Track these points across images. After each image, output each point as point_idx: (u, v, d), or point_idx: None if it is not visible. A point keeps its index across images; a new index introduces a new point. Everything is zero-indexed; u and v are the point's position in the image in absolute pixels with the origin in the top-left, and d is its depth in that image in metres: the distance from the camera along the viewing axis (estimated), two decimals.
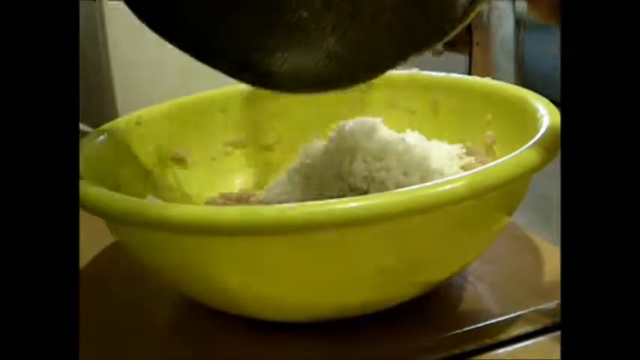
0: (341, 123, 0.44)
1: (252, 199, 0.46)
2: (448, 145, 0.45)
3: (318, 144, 0.45)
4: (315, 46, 0.31)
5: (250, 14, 0.30)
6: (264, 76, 0.33)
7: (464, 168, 0.43)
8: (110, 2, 0.61)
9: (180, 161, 0.47)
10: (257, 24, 0.31)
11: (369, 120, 0.44)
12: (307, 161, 0.43)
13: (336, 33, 0.31)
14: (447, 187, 0.29)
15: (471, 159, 0.44)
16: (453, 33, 0.34)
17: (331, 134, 0.44)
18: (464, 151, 0.45)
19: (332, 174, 0.41)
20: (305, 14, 0.30)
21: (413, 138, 0.44)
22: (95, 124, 0.45)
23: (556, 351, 0.34)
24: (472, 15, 0.34)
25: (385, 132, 0.44)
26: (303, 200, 0.41)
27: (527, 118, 0.39)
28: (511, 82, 0.44)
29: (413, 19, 0.32)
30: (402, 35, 0.32)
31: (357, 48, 0.32)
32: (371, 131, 0.42)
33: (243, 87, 0.50)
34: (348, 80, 0.35)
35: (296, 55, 0.31)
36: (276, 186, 0.45)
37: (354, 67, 0.33)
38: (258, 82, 0.35)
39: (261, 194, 0.46)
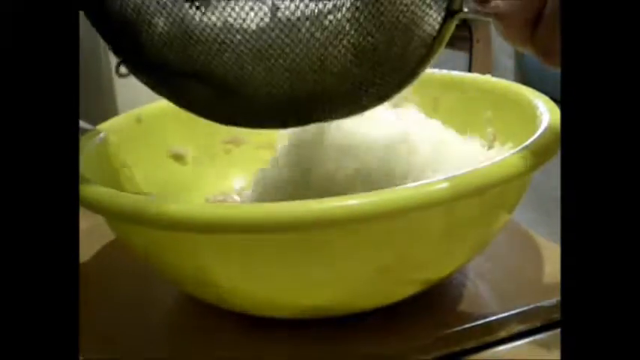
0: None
1: (250, 198, 0.46)
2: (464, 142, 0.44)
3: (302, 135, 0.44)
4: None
5: None
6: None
7: None
8: None
9: (179, 159, 0.47)
10: None
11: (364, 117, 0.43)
12: (296, 156, 0.42)
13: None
14: (446, 184, 0.29)
15: None
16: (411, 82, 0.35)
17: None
18: None
19: (322, 173, 0.41)
20: None
21: (426, 130, 0.43)
22: (95, 122, 0.45)
23: (556, 348, 0.34)
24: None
25: (385, 130, 0.43)
26: (298, 198, 0.40)
27: (527, 116, 0.38)
28: (511, 80, 0.44)
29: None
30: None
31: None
32: (369, 127, 0.42)
33: None
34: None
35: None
36: (265, 182, 0.44)
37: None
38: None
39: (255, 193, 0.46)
